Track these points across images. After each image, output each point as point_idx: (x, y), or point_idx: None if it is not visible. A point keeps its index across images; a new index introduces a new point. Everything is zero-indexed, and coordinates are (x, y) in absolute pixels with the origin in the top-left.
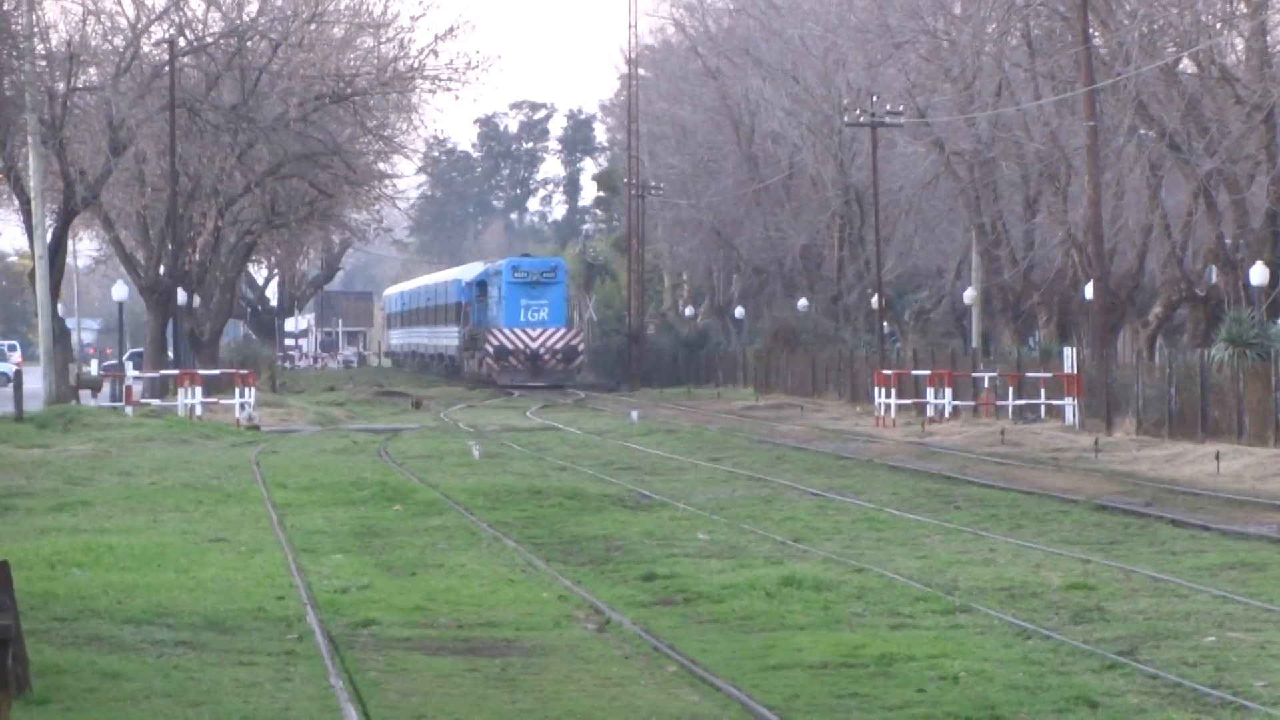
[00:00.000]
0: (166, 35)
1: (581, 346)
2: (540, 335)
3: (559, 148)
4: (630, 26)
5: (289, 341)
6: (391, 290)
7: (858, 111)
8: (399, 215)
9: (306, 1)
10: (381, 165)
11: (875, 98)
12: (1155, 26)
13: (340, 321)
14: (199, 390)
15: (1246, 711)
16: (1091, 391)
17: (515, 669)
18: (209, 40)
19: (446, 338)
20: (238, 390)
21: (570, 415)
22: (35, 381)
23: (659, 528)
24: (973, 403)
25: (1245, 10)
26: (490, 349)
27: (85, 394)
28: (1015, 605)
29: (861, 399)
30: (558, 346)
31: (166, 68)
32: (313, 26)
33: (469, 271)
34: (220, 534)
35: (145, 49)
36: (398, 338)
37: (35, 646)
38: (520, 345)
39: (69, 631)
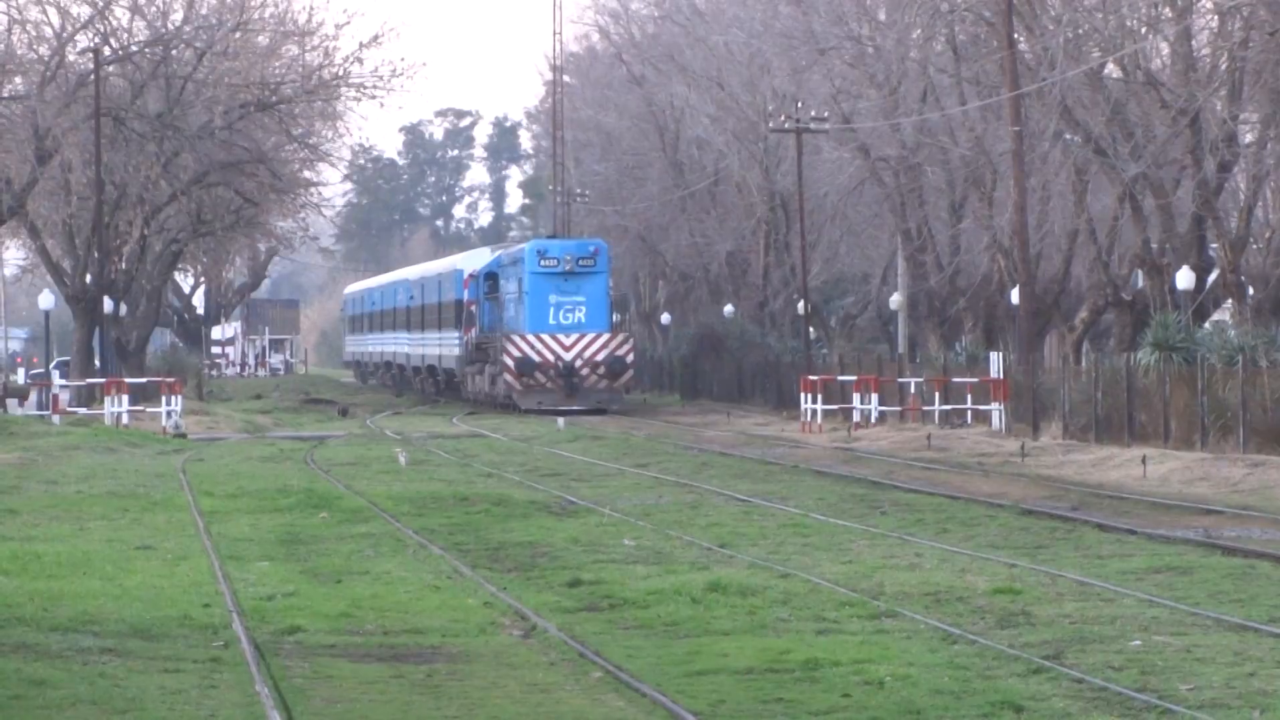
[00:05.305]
0: (92, 44)
1: (631, 357)
2: (576, 343)
3: (485, 155)
4: (555, 33)
5: (216, 350)
6: (355, 287)
7: (783, 118)
8: (325, 223)
9: (231, 10)
10: (307, 173)
11: (800, 104)
12: (1080, 31)
13: (267, 330)
14: (126, 399)
15: (1172, 715)
16: (1018, 396)
17: (440, 675)
18: (134, 49)
19: (438, 345)
20: (164, 398)
21: (496, 422)
22: None
23: (585, 534)
24: (899, 408)
25: (1170, 15)
26: (509, 361)
27: (12, 403)
28: (941, 610)
29: (788, 405)
30: (599, 358)
31: (92, 76)
32: (238, 35)
33: (473, 260)
34: (146, 542)
35: (70, 58)
36: (363, 344)
37: None
38: (550, 356)
39: None
